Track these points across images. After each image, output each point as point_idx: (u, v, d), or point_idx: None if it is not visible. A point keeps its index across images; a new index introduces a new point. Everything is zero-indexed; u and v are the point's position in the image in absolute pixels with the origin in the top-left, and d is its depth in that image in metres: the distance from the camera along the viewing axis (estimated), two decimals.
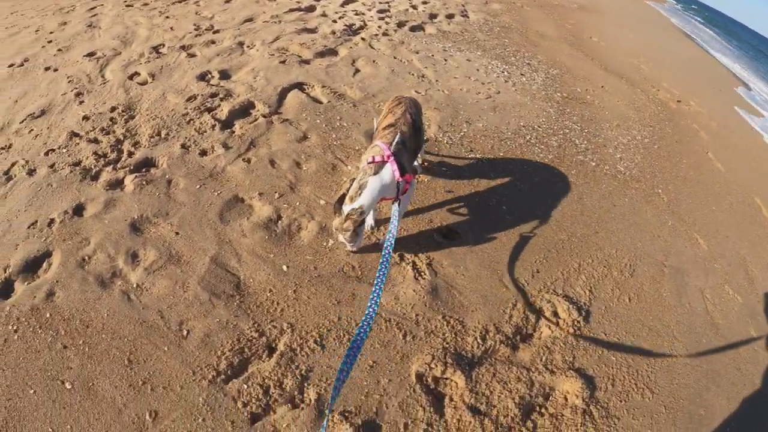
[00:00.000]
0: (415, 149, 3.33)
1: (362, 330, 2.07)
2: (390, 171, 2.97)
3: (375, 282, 2.35)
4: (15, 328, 2.75)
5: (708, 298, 3.79)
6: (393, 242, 2.63)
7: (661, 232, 4.31)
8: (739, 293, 3.95)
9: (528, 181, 4.48)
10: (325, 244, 3.45)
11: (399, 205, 2.98)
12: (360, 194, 2.91)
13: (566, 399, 2.82)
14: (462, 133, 4.98)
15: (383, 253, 2.56)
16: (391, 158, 3.00)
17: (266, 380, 2.61)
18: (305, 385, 2.62)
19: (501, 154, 4.78)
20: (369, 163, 3.01)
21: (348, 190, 3.01)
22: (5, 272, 3.05)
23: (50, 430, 2.35)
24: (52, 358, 2.62)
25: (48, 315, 2.82)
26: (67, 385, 2.52)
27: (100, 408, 2.45)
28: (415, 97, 3.64)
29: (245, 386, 2.58)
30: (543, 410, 2.73)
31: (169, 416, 2.44)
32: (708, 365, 3.26)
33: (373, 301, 2.24)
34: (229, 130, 4.53)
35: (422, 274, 3.34)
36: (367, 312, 2.19)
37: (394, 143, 3.11)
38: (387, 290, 3.21)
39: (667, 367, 3.15)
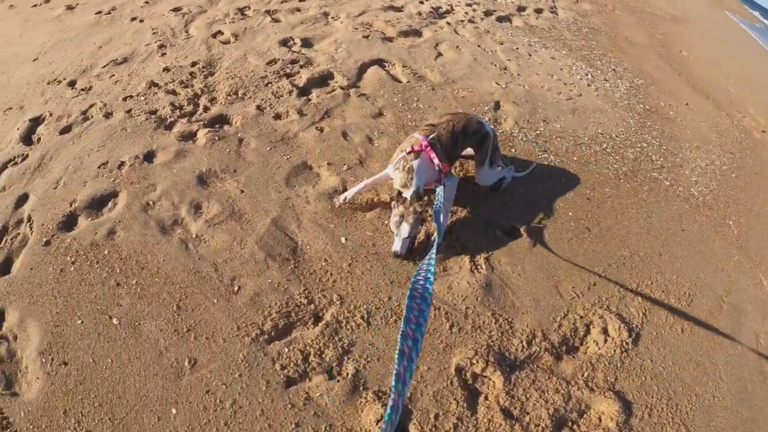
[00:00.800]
0: (449, 156, 3.43)
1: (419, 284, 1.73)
2: (427, 156, 3.20)
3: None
4: (73, 260, 2.88)
5: (762, 343, 3.57)
6: (447, 212, 2.83)
7: (725, 265, 4.10)
8: None
9: (598, 190, 4.33)
10: (386, 222, 3.45)
11: (443, 187, 3.08)
12: (411, 179, 3.10)
13: (600, 420, 2.73)
14: (538, 132, 4.86)
15: (441, 219, 2.69)
16: (428, 147, 3.18)
17: (307, 347, 2.65)
18: (345, 358, 2.65)
19: (575, 158, 4.64)
20: (408, 152, 3.18)
21: (397, 185, 3.19)
22: (71, 206, 3.20)
23: (91, 360, 2.46)
24: (104, 294, 2.74)
25: (106, 252, 2.95)
26: (114, 321, 2.63)
27: (142, 347, 2.55)
28: (481, 120, 3.63)
29: (286, 350, 2.62)
30: (575, 426, 2.66)
31: (207, 366, 2.51)
32: (749, 413, 3.06)
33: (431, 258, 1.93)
34: (305, 97, 4.58)
35: (479, 267, 3.30)
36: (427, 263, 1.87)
37: (429, 136, 3.28)
38: (440, 278, 3.19)
39: (708, 408, 2.99)
